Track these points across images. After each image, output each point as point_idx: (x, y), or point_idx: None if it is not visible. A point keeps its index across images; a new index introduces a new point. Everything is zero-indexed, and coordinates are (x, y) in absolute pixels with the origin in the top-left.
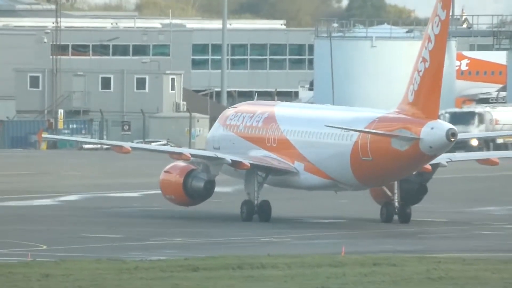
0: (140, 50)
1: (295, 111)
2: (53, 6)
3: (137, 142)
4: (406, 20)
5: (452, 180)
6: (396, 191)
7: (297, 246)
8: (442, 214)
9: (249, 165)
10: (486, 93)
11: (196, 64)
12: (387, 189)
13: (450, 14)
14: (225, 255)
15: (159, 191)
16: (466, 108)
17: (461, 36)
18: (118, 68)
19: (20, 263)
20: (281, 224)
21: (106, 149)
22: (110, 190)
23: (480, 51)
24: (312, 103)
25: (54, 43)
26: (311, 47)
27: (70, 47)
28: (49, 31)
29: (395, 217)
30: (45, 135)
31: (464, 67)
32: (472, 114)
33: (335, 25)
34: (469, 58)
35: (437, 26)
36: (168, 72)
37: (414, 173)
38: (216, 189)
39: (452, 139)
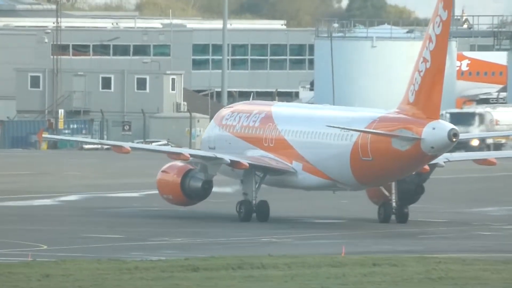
0: (140, 50)
1: (293, 111)
2: (53, 6)
3: (137, 142)
4: (406, 21)
5: (451, 181)
6: (393, 191)
7: (298, 246)
8: (442, 215)
9: (247, 165)
10: (487, 93)
11: (197, 64)
12: (384, 189)
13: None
14: (225, 255)
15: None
16: (466, 109)
17: (462, 37)
18: (118, 68)
19: (21, 263)
20: (281, 224)
21: (107, 149)
22: (110, 190)
23: (480, 51)
24: (312, 103)
25: (55, 43)
26: (311, 47)
27: (70, 47)
28: (49, 31)
29: (393, 217)
30: (45, 135)
31: (464, 68)
32: (472, 115)
33: (336, 25)
34: (469, 59)
35: (438, 26)
36: (168, 72)
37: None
38: (216, 189)
39: (454, 139)
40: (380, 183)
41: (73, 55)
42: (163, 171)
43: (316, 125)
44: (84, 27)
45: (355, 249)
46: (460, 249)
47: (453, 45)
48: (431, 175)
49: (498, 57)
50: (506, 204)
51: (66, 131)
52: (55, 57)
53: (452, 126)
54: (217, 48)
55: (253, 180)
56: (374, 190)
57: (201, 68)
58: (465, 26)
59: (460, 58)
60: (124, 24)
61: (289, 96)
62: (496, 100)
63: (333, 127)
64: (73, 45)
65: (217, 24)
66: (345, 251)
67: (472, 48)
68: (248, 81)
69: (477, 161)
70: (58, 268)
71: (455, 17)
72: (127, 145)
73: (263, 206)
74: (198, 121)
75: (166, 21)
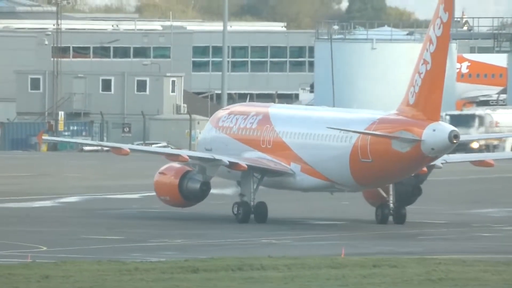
0: (140, 52)
1: (290, 113)
2: (54, 8)
3: (137, 144)
4: (406, 22)
5: (451, 182)
6: (391, 192)
7: (297, 247)
8: (441, 216)
9: (246, 166)
10: (487, 95)
11: (197, 66)
12: (382, 190)
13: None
14: (225, 257)
15: None
16: (466, 111)
17: (462, 39)
18: (118, 70)
19: (20, 264)
20: (280, 226)
21: (107, 151)
22: (110, 192)
23: (480, 53)
24: (312, 105)
25: (55, 45)
26: (311, 49)
27: (71, 49)
28: (50, 33)
29: (390, 218)
30: (45, 137)
31: (464, 70)
32: (472, 117)
33: (336, 27)
34: (469, 61)
35: (439, 28)
36: (168, 74)
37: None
38: (216, 191)
39: (455, 141)
40: (379, 185)
41: (73, 57)
42: (160, 173)
43: (314, 126)
44: (84, 29)
45: (355, 251)
46: (460, 250)
47: (453, 47)
48: (429, 177)
49: (498, 59)
50: (505, 206)
51: (66, 133)
52: (55, 59)
53: (452, 127)
54: (217, 50)
55: (251, 182)
56: (371, 191)
57: (201, 70)
58: (465, 28)
59: (460, 60)
60: (124, 26)
61: (289, 98)
62: (496, 102)
63: (334, 128)
64: (73, 47)
65: (217, 26)
66: (345, 252)
67: (472, 50)
68: (248, 83)
69: (475, 163)
70: (58, 269)
71: (455, 19)
72: (126, 146)
73: (261, 208)
74: (198, 123)
75: (166, 23)
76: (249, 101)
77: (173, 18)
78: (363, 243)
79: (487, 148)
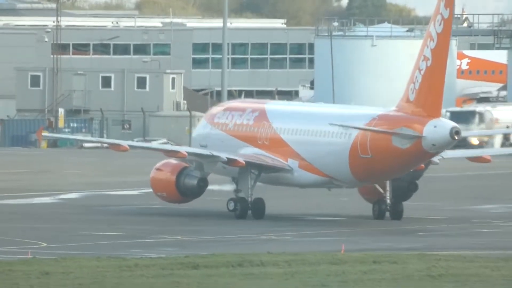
0: (140, 49)
1: (287, 109)
2: (53, 5)
3: (137, 141)
4: (406, 19)
5: (450, 178)
6: (388, 188)
7: (297, 243)
8: (441, 212)
9: (244, 162)
10: (487, 92)
11: (197, 63)
12: (379, 186)
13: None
14: (225, 253)
15: None
16: (466, 107)
17: (462, 35)
18: (118, 67)
19: (20, 260)
20: (280, 222)
21: (106, 147)
22: (110, 188)
23: (480, 50)
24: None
25: (55, 42)
26: (311, 46)
27: (70, 46)
28: (49, 30)
29: (387, 214)
30: (44, 133)
31: (464, 66)
32: (472, 113)
33: (336, 24)
34: (469, 57)
35: (440, 24)
36: (168, 71)
37: None
38: (215, 187)
39: (456, 137)
40: (378, 181)
41: (73, 54)
42: (157, 169)
43: (312, 122)
44: (84, 26)
45: (355, 247)
46: (460, 246)
47: (453, 43)
48: (428, 173)
49: (498, 56)
50: (505, 202)
51: (66, 130)
52: (55, 56)
53: (454, 124)
54: (217, 47)
55: (249, 178)
56: (367, 187)
57: (201, 67)
58: (465, 24)
59: (460, 56)
60: (124, 23)
61: (289, 95)
62: (496, 99)
63: (336, 125)
64: (73, 44)
65: (217, 23)
66: (345, 248)
67: (472, 46)
68: (248, 80)
69: (472, 159)
70: (58, 265)
71: (455, 15)
72: (125, 143)
73: (258, 204)
74: (198, 120)
75: (166, 20)
76: (244, 98)
77: (173, 15)
78: (363, 239)
79: (487, 144)
